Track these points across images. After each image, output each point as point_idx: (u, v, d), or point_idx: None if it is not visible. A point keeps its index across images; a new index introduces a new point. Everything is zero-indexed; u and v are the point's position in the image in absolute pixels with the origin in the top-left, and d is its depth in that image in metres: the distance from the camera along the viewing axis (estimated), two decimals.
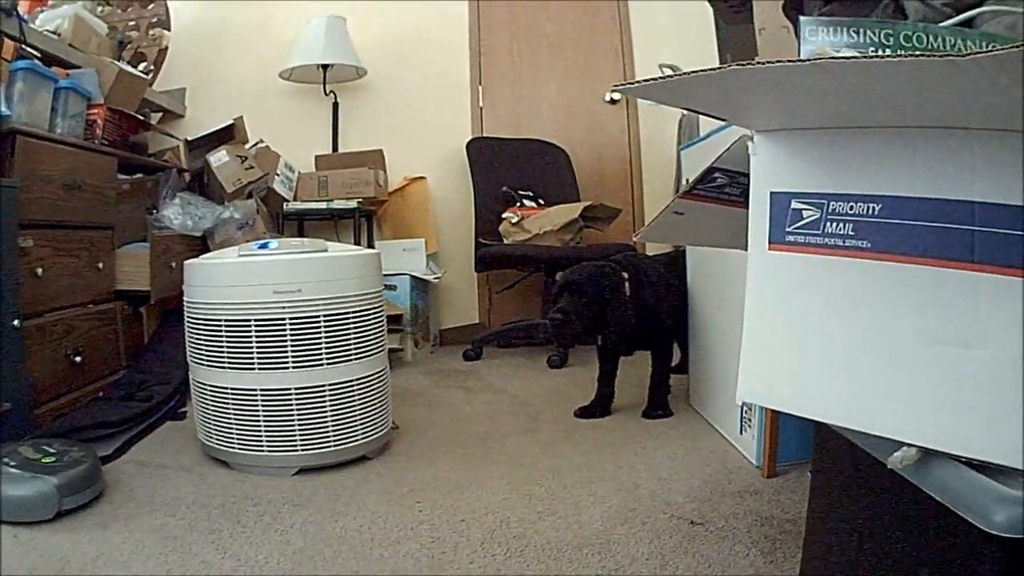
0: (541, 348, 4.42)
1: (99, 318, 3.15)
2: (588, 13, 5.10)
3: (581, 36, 5.09)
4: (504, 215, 4.46)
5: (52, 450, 2.15)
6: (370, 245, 4.51)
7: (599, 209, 4.35)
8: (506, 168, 4.72)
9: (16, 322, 2.47)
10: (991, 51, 0.63)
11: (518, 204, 4.53)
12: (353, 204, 4.32)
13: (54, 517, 1.98)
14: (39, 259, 2.73)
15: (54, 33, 3.28)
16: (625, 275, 2.89)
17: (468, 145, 4.72)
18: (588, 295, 2.81)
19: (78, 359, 2.91)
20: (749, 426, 2.38)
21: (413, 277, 4.41)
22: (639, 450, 2.55)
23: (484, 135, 4.95)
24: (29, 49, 2.94)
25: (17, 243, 2.55)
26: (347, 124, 4.88)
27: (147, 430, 2.84)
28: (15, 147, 2.59)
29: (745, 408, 2.41)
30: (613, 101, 5.08)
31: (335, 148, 4.84)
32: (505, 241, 4.38)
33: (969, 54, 0.65)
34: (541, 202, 4.60)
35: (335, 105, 4.84)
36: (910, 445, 1.01)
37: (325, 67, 4.62)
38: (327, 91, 4.78)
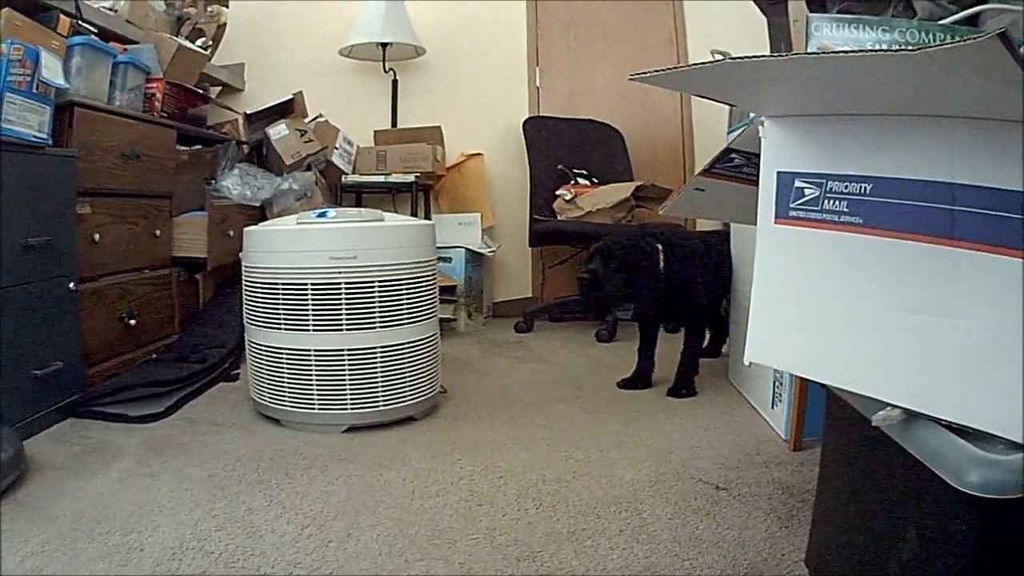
0: (591, 323, 4.52)
1: (155, 283, 3.28)
2: (644, 2, 5.16)
3: (637, 22, 5.12)
4: (558, 192, 4.55)
5: None
6: (427, 218, 4.61)
7: (650, 189, 4.42)
8: (561, 147, 4.80)
9: (72, 285, 2.62)
10: (940, 45, 0.72)
11: (572, 182, 4.61)
12: (411, 178, 4.44)
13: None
14: (97, 225, 2.87)
15: (111, 10, 3.39)
16: (660, 247, 2.95)
17: (525, 124, 4.79)
18: (617, 260, 2.88)
19: (132, 322, 3.04)
20: (780, 401, 2.45)
21: (468, 250, 4.53)
22: (675, 420, 2.64)
23: (540, 114, 5.02)
24: (85, 25, 3.06)
25: (75, 209, 2.69)
26: (406, 101, 5.00)
27: (200, 390, 2.97)
28: (73, 118, 2.73)
29: (776, 384, 2.48)
30: None
31: (394, 124, 4.96)
32: (559, 217, 4.47)
33: (919, 49, 0.74)
34: (595, 181, 4.68)
35: (394, 82, 4.96)
36: (894, 406, 1.09)
37: (384, 45, 4.73)
38: (387, 68, 4.90)
